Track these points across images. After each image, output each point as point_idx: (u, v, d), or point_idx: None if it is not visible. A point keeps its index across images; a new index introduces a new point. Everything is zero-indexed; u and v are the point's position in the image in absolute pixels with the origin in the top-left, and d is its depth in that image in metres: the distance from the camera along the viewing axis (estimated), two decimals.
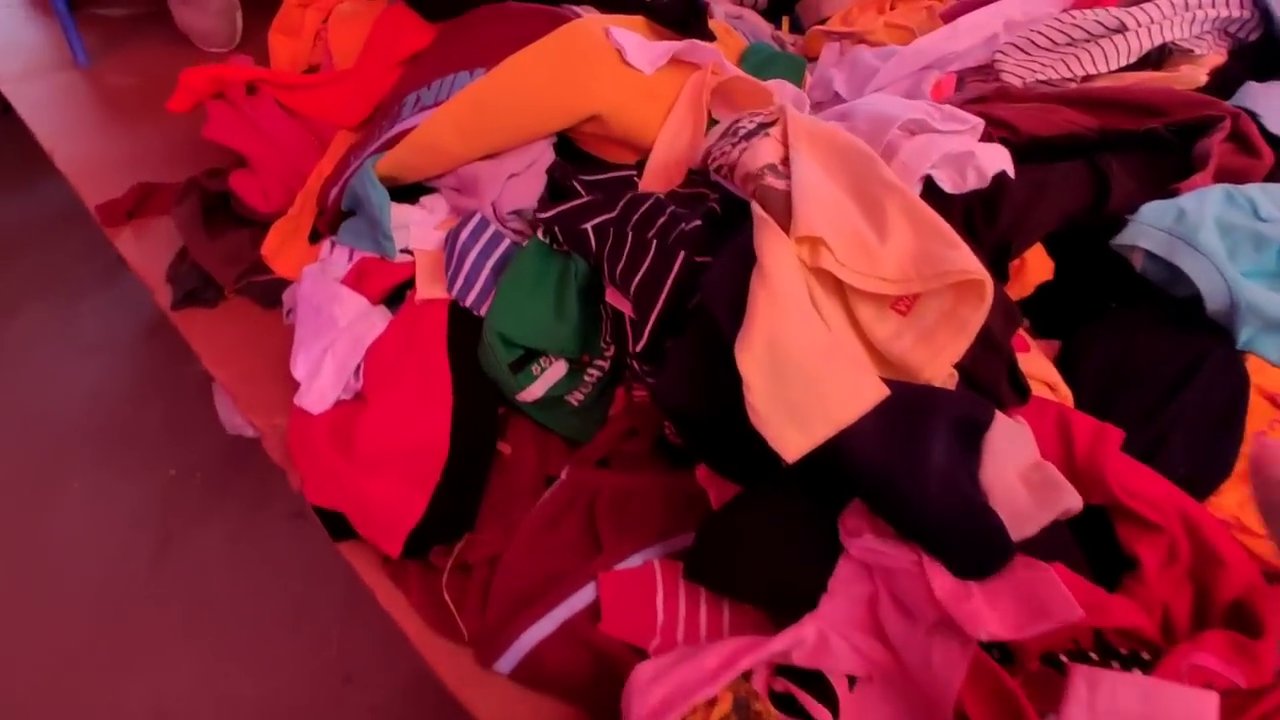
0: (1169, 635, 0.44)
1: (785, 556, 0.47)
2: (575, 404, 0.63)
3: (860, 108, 0.58)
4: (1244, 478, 0.47)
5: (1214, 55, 0.67)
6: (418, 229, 0.70)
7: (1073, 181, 0.53)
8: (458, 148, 0.68)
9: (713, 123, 0.72)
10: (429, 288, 0.66)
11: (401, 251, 0.70)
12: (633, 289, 0.56)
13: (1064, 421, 0.48)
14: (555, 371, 0.62)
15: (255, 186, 0.82)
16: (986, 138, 0.58)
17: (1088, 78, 0.66)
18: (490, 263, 0.65)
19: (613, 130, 0.70)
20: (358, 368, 0.65)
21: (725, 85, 0.72)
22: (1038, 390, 0.52)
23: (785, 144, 0.57)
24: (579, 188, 0.68)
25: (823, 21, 0.97)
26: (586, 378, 0.63)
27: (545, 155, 0.70)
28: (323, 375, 0.65)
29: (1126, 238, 0.50)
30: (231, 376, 0.74)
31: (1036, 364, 0.53)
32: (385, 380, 0.63)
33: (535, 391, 0.61)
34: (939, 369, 0.45)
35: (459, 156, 0.69)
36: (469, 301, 0.63)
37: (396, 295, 0.70)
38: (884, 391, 0.43)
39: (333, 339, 0.66)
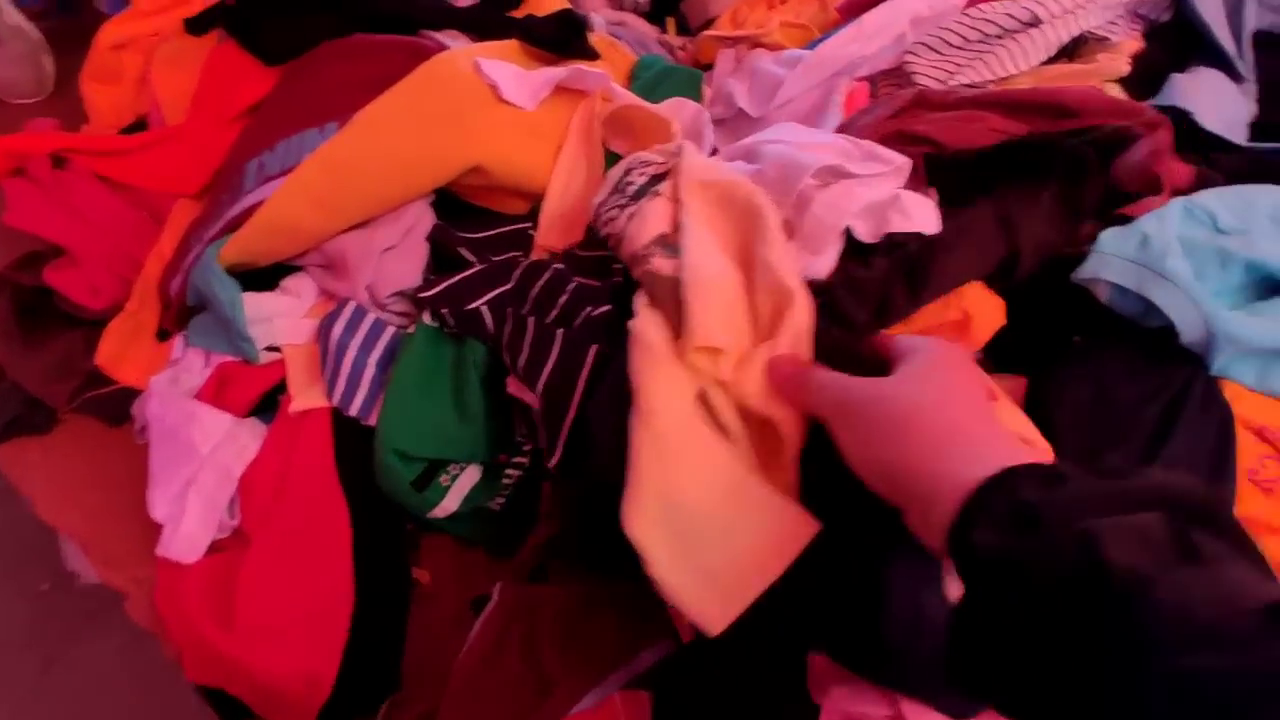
0: None
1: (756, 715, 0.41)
2: (496, 509, 0.55)
3: (770, 150, 0.51)
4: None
5: (1130, 41, 0.63)
6: (284, 321, 0.59)
7: (975, 240, 0.47)
8: (316, 223, 0.58)
9: (612, 157, 0.64)
10: (305, 394, 0.56)
11: (267, 349, 0.59)
12: (540, 389, 0.47)
13: None
14: (468, 479, 0.53)
15: (79, 280, 0.69)
16: (917, 163, 0.53)
17: (1008, 77, 0.61)
18: (374, 359, 0.55)
19: (498, 180, 0.61)
20: (232, 501, 0.55)
21: (619, 114, 0.64)
22: None
23: (678, 199, 0.49)
24: (466, 254, 0.59)
25: (710, 22, 0.90)
26: (505, 479, 0.54)
27: (423, 219, 0.60)
28: (188, 516, 0.54)
29: (1089, 271, 0.46)
30: (78, 521, 0.61)
31: (1009, 417, 0.48)
32: (267, 515, 0.53)
33: (448, 506, 0.52)
34: None
35: (319, 233, 0.58)
36: (354, 410, 0.54)
37: (270, 401, 0.59)
38: (814, 527, 0.36)
39: (195, 471, 0.55)
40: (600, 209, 0.53)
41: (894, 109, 0.56)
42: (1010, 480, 0.28)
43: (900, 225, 0.46)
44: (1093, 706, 0.23)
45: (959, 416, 0.33)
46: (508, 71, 0.62)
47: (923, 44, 0.65)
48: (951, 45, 0.64)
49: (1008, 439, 0.33)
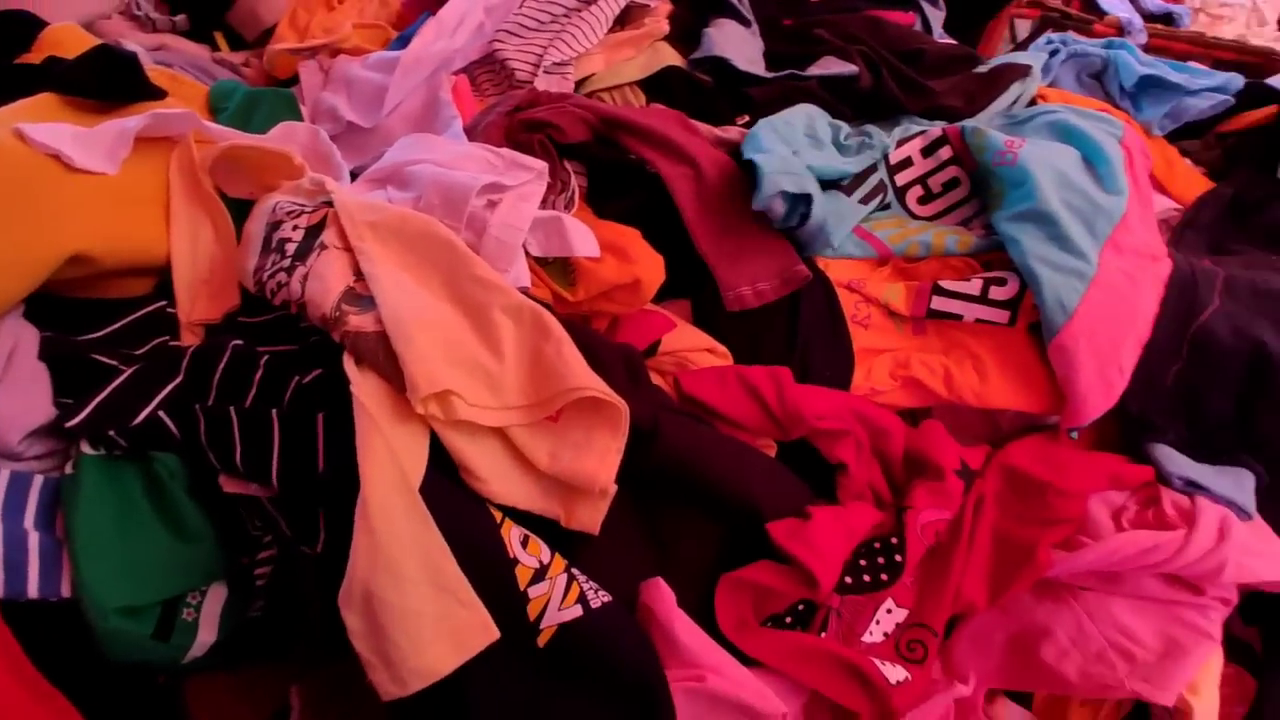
0: (881, 504, 0.54)
1: None
2: (259, 614, 0.49)
3: (420, 173, 0.52)
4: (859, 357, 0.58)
5: (664, 5, 0.75)
6: None
7: None
8: None
9: (237, 207, 0.57)
10: None
11: None
12: (274, 479, 0.44)
13: (744, 380, 0.53)
14: (215, 600, 0.47)
15: None
16: (547, 145, 0.58)
17: (586, 52, 0.69)
18: (30, 522, 0.44)
19: (105, 265, 0.52)
20: None
21: (226, 154, 0.58)
22: (703, 360, 0.57)
23: (348, 246, 0.48)
24: (102, 358, 0.50)
25: (267, 31, 0.84)
26: (258, 581, 0.49)
27: (24, 337, 0.48)
28: None
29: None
30: None
31: (691, 336, 0.57)
32: None
33: (206, 639, 0.46)
34: (607, 471, 0.44)
35: None
36: (32, 590, 0.43)
37: None
38: (492, 636, 0.40)
39: None
40: (260, 274, 0.48)
41: (511, 106, 0.61)
42: None
43: (564, 250, 0.52)
44: None
45: None
46: (66, 134, 0.51)
47: (505, 30, 0.70)
48: (529, 29, 0.70)
49: None
